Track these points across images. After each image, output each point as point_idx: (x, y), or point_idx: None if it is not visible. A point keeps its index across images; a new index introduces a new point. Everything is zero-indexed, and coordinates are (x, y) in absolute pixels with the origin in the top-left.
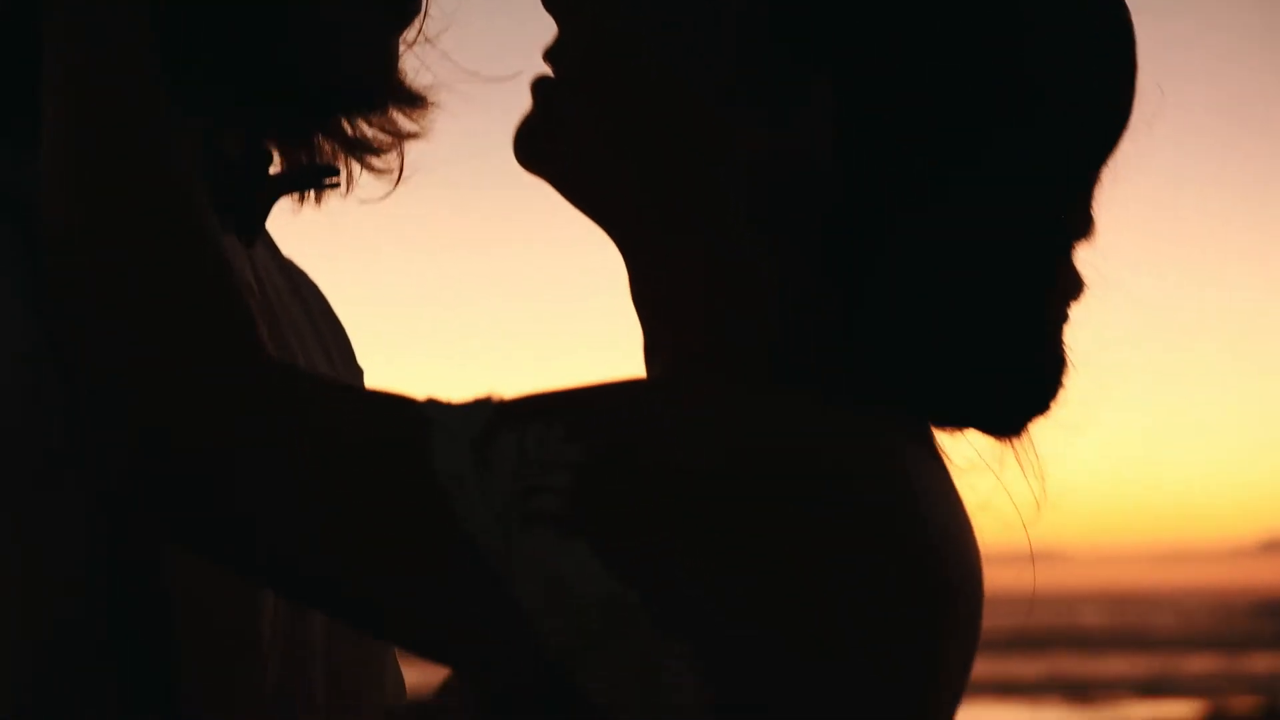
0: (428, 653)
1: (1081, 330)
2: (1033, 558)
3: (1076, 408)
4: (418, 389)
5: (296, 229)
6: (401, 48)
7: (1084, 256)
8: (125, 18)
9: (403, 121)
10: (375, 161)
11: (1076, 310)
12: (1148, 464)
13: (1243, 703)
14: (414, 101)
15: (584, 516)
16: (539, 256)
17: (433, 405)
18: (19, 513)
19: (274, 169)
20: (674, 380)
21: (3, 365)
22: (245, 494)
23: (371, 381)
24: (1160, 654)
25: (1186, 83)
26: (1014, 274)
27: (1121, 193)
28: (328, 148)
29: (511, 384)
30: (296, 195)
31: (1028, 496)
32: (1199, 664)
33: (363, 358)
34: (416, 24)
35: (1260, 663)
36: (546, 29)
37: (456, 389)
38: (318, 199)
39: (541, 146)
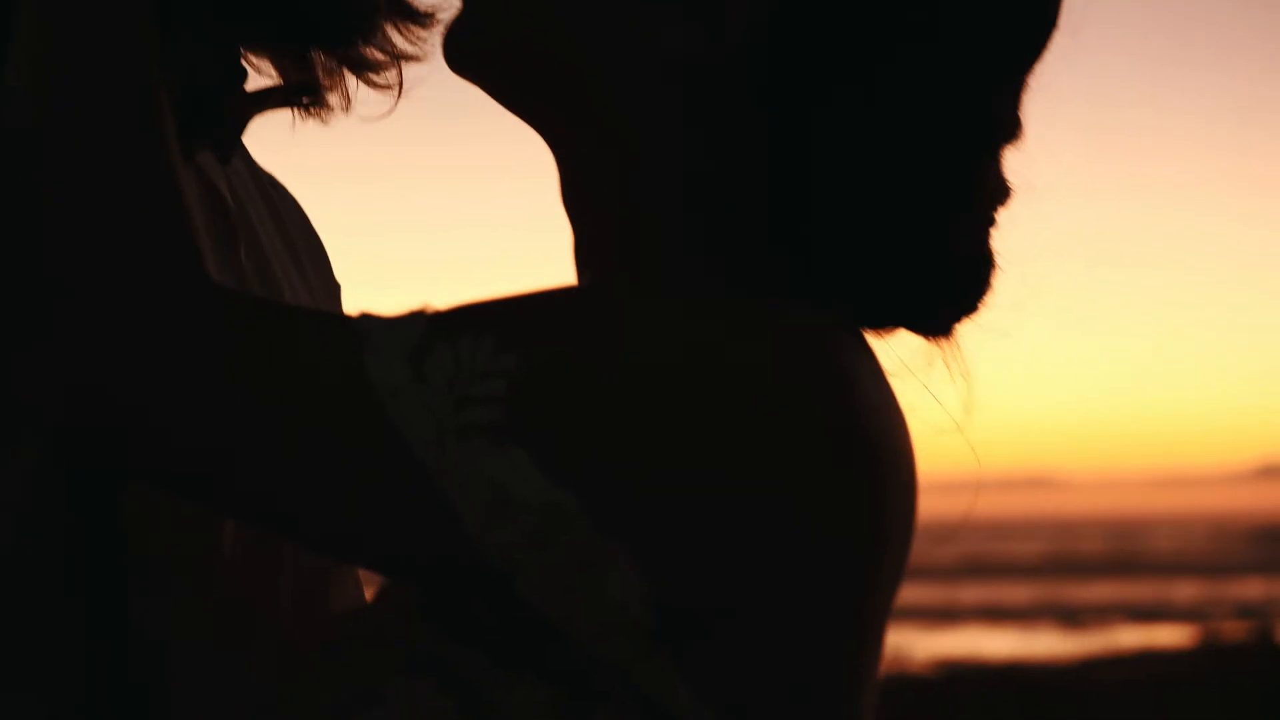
0: (371, 564)
1: (1010, 237)
2: (978, 478)
3: (1007, 311)
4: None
5: (288, 150)
6: None
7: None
8: None
9: (401, 41)
10: (375, 79)
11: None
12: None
13: (1235, 628)
14: (416, 19)
15: (520, 424)
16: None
17: (367, 320)
18: None
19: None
20: (603, 285)
21: None
22: (181, 418)
23: (355, 304)
24: (1153, 580)
25: None
26: (940, 171)
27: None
28: (324, 65)
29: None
30: (297, 113)
31: (956, 399)
32: (1192, 590)
33: (352, 284)
34: None
35: (1253, 588)
36: None
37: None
38: (312, 116)
39: (468, 48)
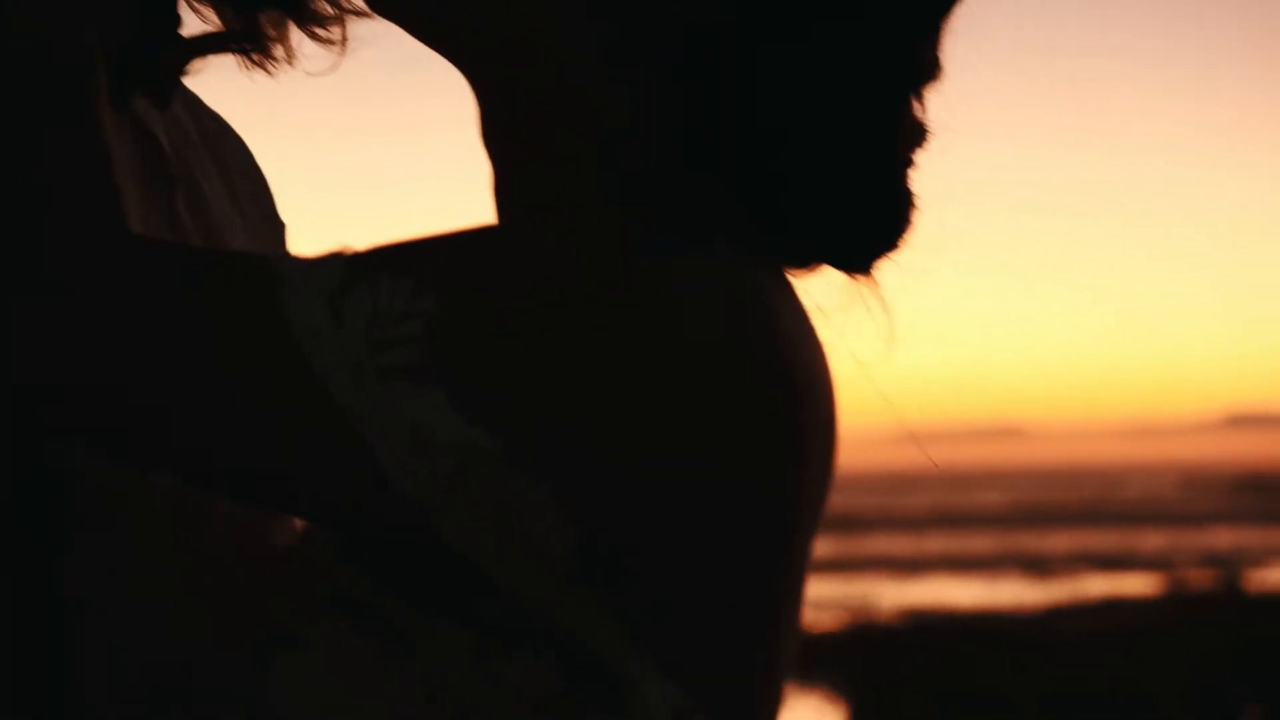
0: (295, 509)
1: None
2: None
3: (925, 251)
4: None
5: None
6: None
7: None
8: None
9: None
10: (320, 32)
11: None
12: (1113, 339)
13: (1202, 577)
14: None
15: (439, 365)
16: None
17: (286, 262)
18: None
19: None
20: (521, 225)
21: None
22: (98, 370)
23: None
24: (1121, 529)
25: None
26: (864, 110)
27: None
28: (269, 16)
29: None
30: (242, 62)
31: (877, 336)
32: (1159, 539)
33: (300, 240)
34: None
35: (1222, 537)
36: None
37: None
38: (257, 66)
39: None
